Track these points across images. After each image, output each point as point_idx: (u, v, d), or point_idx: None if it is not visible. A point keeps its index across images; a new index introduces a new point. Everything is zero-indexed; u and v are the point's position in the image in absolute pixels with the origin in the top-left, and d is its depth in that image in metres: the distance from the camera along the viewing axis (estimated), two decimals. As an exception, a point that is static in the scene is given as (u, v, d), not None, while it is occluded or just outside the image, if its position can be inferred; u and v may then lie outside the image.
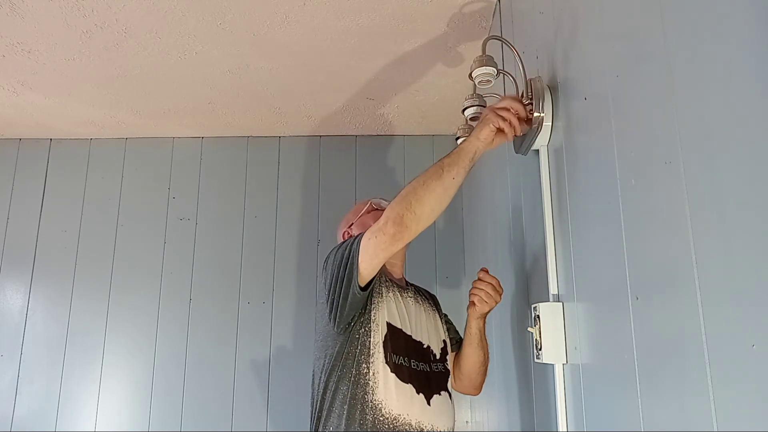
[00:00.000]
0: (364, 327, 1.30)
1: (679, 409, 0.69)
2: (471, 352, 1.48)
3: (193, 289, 2.63)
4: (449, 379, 1.43)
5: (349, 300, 1.25)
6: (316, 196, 2.73)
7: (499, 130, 1.16)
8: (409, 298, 1.43)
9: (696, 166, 0.64)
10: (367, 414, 1.23)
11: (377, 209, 1.53)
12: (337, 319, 1.28)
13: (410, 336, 1.36)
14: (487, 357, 1.51)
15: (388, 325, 1.32)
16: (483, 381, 1.54)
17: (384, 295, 1.35)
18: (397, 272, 1.49)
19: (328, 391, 1.29)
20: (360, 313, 1.30)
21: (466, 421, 2.50)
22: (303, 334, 2.58)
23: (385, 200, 1.57)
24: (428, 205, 1.16)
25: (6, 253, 2.68)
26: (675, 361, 0.70)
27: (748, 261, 0.55)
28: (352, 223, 1.54)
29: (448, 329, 1.55)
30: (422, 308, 1.46)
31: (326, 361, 1.31)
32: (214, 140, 2.80)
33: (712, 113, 0.61)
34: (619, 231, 0.86)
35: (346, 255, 1.27)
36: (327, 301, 1.31)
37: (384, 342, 1.29)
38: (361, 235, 1.26)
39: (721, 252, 0.59)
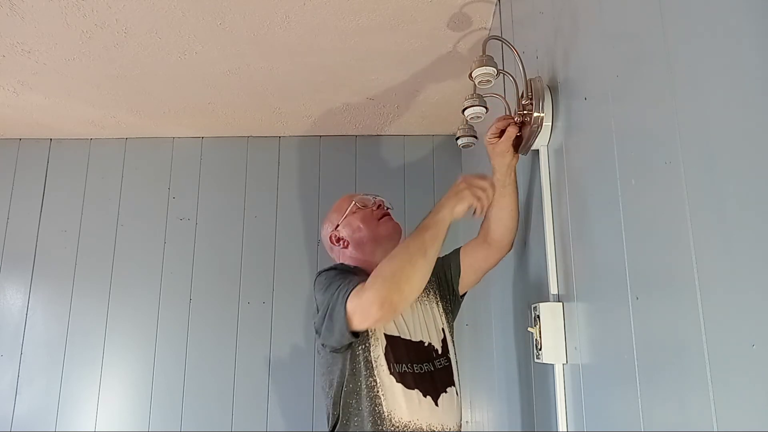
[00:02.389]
0: (364, 344, 1.30)
1: (679, 409, 0.69)
2: (507, 201, 1.38)
3: (193, 289, 2.63)
4: (455, 370, 1.41)
5: (344, 341, 1.24)
6: (316, 196, 2.73)
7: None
8: None
9: (696, 166, 0.64)
10: (378, 425, 1.25)
11: (363, 208, 1.49)
12: (333, 346, 1.28)
13: (409, 340, 1.35)
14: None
15: (386, 336, 1.32)
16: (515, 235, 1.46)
17: None
18: None
19: (338, 407, 1.31)
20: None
21: (466, 421, 2.49)
22: (303, 334, 2.58)
23: (369, 196, 1.53)
24: (416, 283, 1.17)
25: (6, 253, 2.68)
26: (675, 361, 0.70)
27: (748, 261, 0.55)
28: (338, 225, 1.49)
29: (449, 279, 1.51)
30: (418, 303, 1.43)
31: (332, 378, 1.32)
32: (214, 140, 2.80)
33: (712, 113, 0.61)
34: (619, 231, 0.86)
35: (332, 312, 1.21)
36: (320, 331, 1.29)
37: (385, 354, 1.30)
38: (345, 295, 1.18)
39: (721, 252, 0.59)
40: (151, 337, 2.57)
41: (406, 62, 2.09)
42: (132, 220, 2.70)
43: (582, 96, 1.04)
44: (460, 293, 1.52)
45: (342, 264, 1.47)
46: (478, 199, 1.21)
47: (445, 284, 1.50)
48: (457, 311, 1.53)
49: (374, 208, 1.50)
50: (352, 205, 1.49)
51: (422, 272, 1.16)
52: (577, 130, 1.08)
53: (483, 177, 1.25)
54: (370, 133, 2.78)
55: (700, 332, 0.63)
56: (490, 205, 1.40)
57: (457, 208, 1.18)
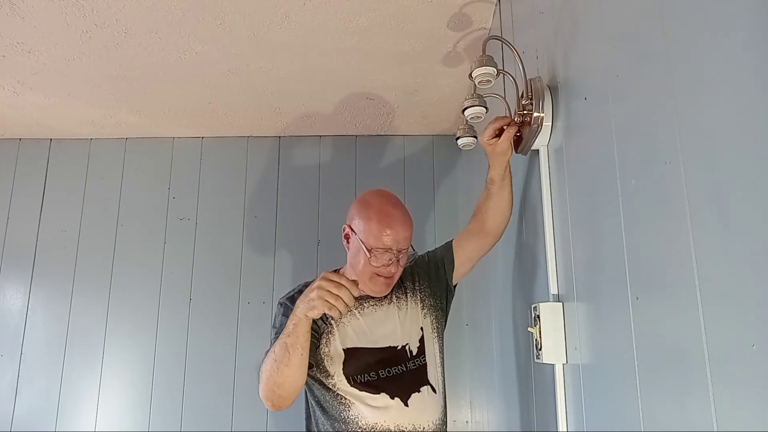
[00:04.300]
0: (319, 366, 1.35)
1: (679, 409, 0.69)
2: (506, 193, 1.42)
3: (193, 289, 2.63)
4: (434, 368, 1.40)
5: None
6: (316, 196, 2.73)
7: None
8: (369, 307, 1.41)
9: (696, 166, 0.64)
10: (342, 428, 1.31)
11: (355, 236, 1.37)
12: None
13: (373, 348, 1.36)
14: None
15: (345, 350, 1.35)
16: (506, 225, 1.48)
17: (334, 326, 1.36)
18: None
19: (309, 412, 1.40)
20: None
21: (466, 421, 2.50)
22: (303, 334, 2.58)
23: (389, 253, 1.33)
24: (288, 385, 1.24)
25: (6, 253, 2.67)
26: (675, 361, 0.70)
27: (748, 261, 0.55)
28: (352, 231, 1.39)
29: (441, 276, 1.49)
30: (393, 307, 1.42)
31: (304, 389, 1.39)
32: (214, 140, 2.80)
33: (712, 113, 0.61)
34: (619, 231, 0.86)
35: None
36: None
37: (344, 369, 1.33)
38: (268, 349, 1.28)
39: (721, 252, 0.59)
40: (151, 337, 2.57)
41: (406, 62, 2.09)
42: (132, 220, 2.70)
43: (582, 96, 1.04)
44: (454, 284, 1.52)
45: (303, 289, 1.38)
46: (331, 306, 1.13)
47: (436, 281, 1.50)
48: (451, 304, 1.53)
49: (379, 265, 1.34)
50: (369, 239, 1.32)
51: (290, 377, 1.23)
52: (577, 130, 1.08)
53: (341, 278, 1.15)
54: (370, 133, 2.78)
55: (700, 332, 0.63)
56: (485, 198, 1.43)
57: (309, 313, 1.17)
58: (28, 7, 1.74)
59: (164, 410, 2.51)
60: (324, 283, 1.13)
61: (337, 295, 1.12)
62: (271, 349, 1.25)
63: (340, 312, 1.13)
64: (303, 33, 1.89)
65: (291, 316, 1.21)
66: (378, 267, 1.33)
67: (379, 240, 1.30)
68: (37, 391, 2.53)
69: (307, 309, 1.16)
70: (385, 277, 1.35)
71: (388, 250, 1.31)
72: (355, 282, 1.15)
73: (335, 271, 1.48)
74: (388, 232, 1.31)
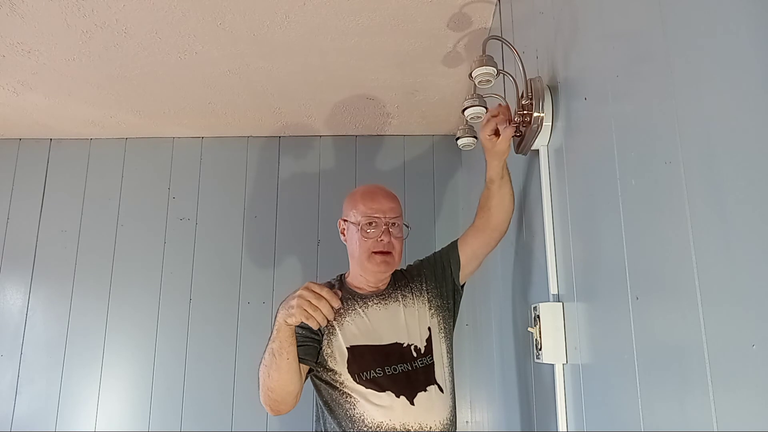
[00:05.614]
0: (323, 366, 1.36)
1: (679, 409, 0.69)
2: (507, 190, 1.42)
3: (193, 289, 2.63)
4: (442, 368, 1.40)
5: None
6: (316, 196, 2.73)
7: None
8: (374, 305, 1.41)
9: (696, 166, 0.64)
10: (351, 427, 1.31)
11: (364, 230, 1.41)
12: None
13: (380, 345, 1.37)
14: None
15: (349, 348, 1.35)
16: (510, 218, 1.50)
17: (336, 326, 1.37)
18: (362, 282, 1.46)
19: (318, 414, 1.41)
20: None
21: (466, 421, 2.49)
22: (303, 334, 2.58)
23: (379, 219, 1.41)
24: (280, 389, 1.27)
25: (6, 253, 2.68)
26: (675, 361, 0.70)
27: (748, 261, 0.55)
28: (346, 221, 1.47)
29: (447, 276, 1.50)
30: (399, 306, 1.43)
31: (313, 388, 1.40)
32: (214, 140, 2.80)
33: (712, 113, 0.61)
34: (619, 231, 0.86)
35: None
36: None
37: (348, 366, 1.34)
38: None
39: (721, 252, 0.59)
40: (151, 337, 2.57)
41: (406, 62, 2.09)
42: (132, 220, 2.70)
43: (582, 96, 1.04)
44: (461, 283, 1.53)
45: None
46: (308, 317, 1.14)
47: (443, 281, 1.50)
48: (459, 303, 1.53)
49: (371, 238, 1.40)
50: (357, 216, 1.41)
51: (281, 382, 1.26)
52: (577, 130, 1.08)
53: (322, 289, 1.16)
54: (370, 133, 2.79)
55: (700, 332, 0.63)
56: (487, 197, 1.43)
57: (288, 320, 1.19)
58: (28, 7, 1.74)
59: (164, 410, 2.51)
60: (305, 293, 1.16)
61: (316, 306, 1.14)
62: (263, 355, 1.27)
63: (318, 323, 1.15)
64: (303, 33, 1.90)
65: (274, 321, 1.23)
66: (371, 241, 1.40)
67: (366, 214, 1.41)
68: (37, 391, 2.53)
69: (286, 316, 1.19)
70: (382, 254, 1.40)
71: (376, 221, 1.40)
72: (336, 294, 1.17)
73: (339, 276, 1.51)
74: (372, 204, 1.42)
